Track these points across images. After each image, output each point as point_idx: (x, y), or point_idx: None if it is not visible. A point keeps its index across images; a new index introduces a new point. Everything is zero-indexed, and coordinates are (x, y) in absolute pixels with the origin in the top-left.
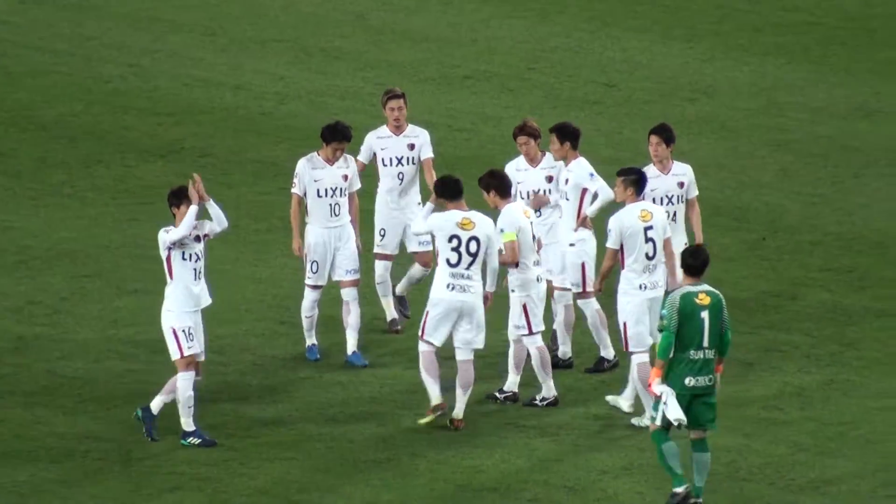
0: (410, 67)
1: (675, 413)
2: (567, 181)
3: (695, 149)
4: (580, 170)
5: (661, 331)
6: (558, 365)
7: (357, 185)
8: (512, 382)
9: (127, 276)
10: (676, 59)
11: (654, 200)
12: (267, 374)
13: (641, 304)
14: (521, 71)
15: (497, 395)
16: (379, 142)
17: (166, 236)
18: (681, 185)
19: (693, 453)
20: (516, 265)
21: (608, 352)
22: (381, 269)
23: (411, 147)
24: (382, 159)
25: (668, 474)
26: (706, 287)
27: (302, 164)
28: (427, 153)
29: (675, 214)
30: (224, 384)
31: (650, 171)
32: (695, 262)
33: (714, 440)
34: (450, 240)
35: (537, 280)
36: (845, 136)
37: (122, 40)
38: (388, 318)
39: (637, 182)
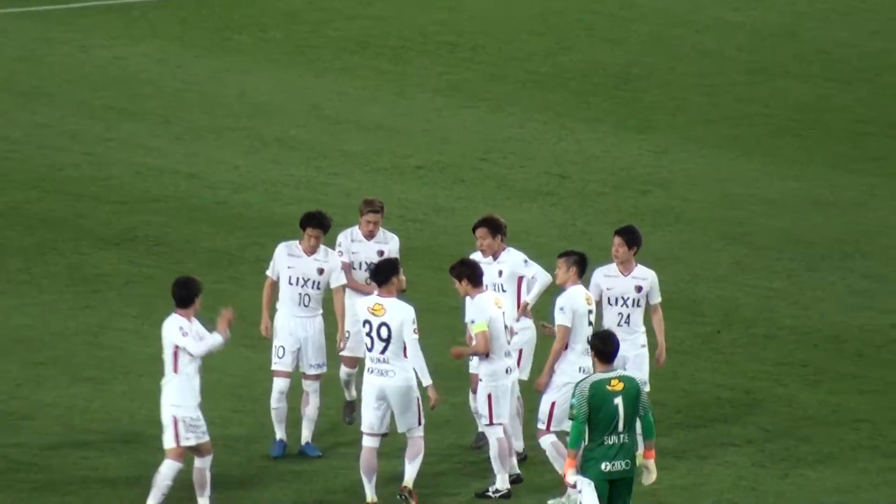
0: (363, 157)
1: (591, 501)
2: (500, 273)
3: (649, 241)
4: (512, 258)
5: (570, 419)
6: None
7: (341, 281)
8: (502, 479)
9: (82, 363)
10: (630, 150)
11: (608, 301)
12: (220, 462)
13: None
14: (473, 161)
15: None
16: (352, 244)
17: (183, 340)
18: (638, 289)
19: None
20: (487, 355)
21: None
22: (344, 374)
23: (380, 253)
24: (351, 262)
25: None
26: (619, 373)
27: (279, 249)
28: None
29: (627, 317)
30: (180, 471)
31: (610, 270)
32: (605, 347)
33: None
34: (364, 324)
35: (506, 371)
36: (799, 229)
37: (75, 128)
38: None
39: (579, 262)
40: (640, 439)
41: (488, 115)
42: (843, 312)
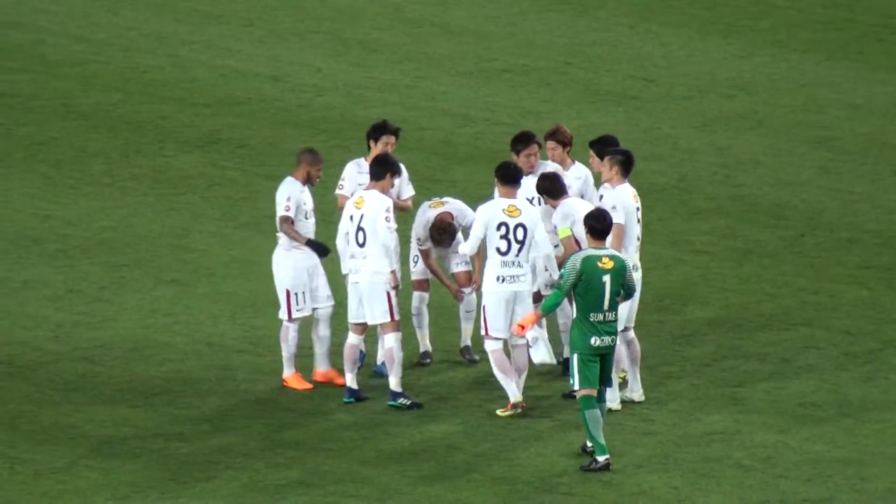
0: (448, 61)
1: (541, 356)
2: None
3: (732, 145)
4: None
5: (556, 287)
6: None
7: (411, 192)
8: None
9: (165, 265)
10: (715, 54)
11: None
12: (303, 366)
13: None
14: (558, 65)
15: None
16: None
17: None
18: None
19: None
20: None
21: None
22: (416, 300)
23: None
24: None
25: (592, 442)
26: (610, 251)
27: (350, 167)
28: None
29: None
30: (260, 375)
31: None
32: (599, 225)
33: (751, 436)
34: (498, 227)
35: None
36: (885, 134)
37: (159, 30)
38: (421, 350)
39: (623, 162)
40: (622, 315)
41: (574, 18)
42: None
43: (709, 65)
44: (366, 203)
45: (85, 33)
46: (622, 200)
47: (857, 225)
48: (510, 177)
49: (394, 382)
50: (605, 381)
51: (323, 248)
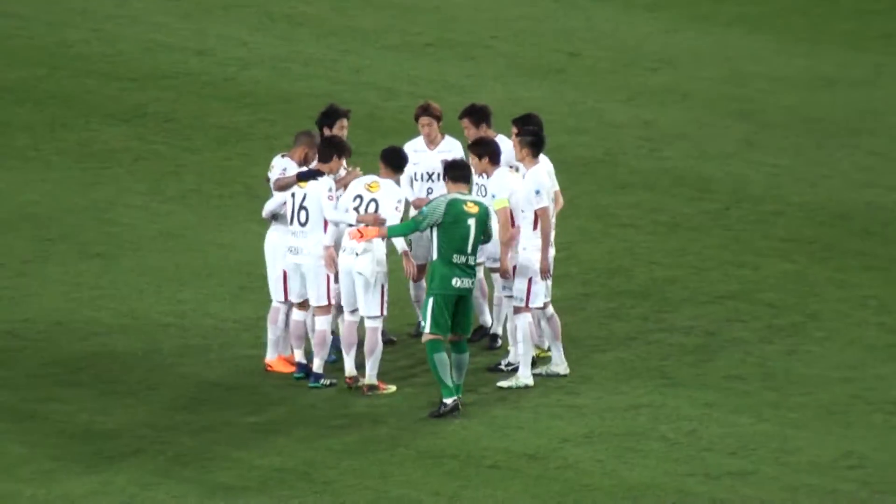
0: (373, 34)
1: (366, 268)
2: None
3: (657, 118)
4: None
5: (414, 221)
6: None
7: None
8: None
9: (90, 239)
10: (640, 28)
11: (416, 176)
12: (228, 338)
13: None
14: (483, 39)
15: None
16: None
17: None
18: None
19: (454, 355)
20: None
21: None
22: (413, 288)
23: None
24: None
25: (440, 384)
26: (475, 197)
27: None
28: None
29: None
30: (185, 348)
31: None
32: (461, 171)
33: (676, 410)
34: (354, 199)
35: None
36: (808, 107)
37: (84, 5)
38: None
39: (533, 143)
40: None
41: None
42: (850, 189)
43: (634, 38)
44: (308, 182)
45: (9, 8)
46: (542, 182)
47: (781, 198)
48: (394, 161)
49: (317, 364)
50: (463, 328)
51: (314, 172)
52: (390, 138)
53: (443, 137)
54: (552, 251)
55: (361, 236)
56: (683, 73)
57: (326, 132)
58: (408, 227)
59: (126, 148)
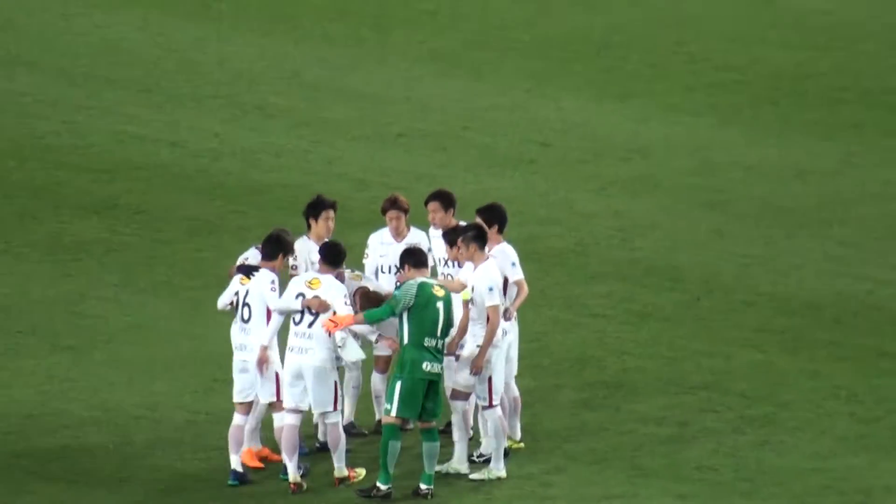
0: (345, 125)
1: (353, 354)
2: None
3: (629, 208)
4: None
5: (388, 306)
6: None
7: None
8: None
9: (61, 332)
10: (611, 118)
11: (382, 268)
12: (200, 430)
13: None
14: (455, 129)
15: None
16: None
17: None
18: None
19: (423, 443)
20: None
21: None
22: (377, 381)
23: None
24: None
25: (381, 468)
26: (439, 281)
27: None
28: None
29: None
30: (157, 440)
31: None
32: (419, 257)
33: (649, 500)
34: (297, 297)
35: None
36: (778, 197)
37: (55, 96)
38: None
39: (477, 238)
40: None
41: (470, 83)
42: (820, 279)
43: (605, 128)
44: (251, 279)
45: None
46: (493, 279)
47: (752, 288)
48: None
49: (291, 469)
50: (432, 413)
51: (253, 267)
52: (362, 229)
53: (408, 230)
54: (512, 335)
55: (336, 326)
56: (654, 163)
57: (313, 224)
58: (384, 312)
59: (97, 239)
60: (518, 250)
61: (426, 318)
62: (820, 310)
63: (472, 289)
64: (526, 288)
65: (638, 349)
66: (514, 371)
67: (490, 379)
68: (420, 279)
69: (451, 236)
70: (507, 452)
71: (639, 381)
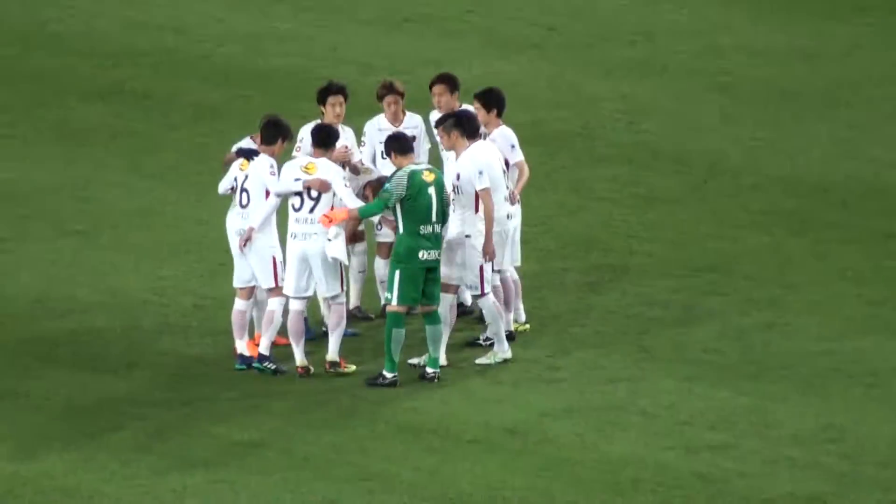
0: (349, 9)
1: (338, 253)
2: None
3: (635, 92)
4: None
5: (380, 200)
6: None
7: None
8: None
9: (67, 217)
10: (617, 1)
11: (383, 154)
12: (207, 314)
13: None
14: (460, 13)
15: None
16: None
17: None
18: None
19: (427, 326)
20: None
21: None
22: (381, 267)
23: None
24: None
25: (386, 357)
26: (428, 165)
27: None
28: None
29: None
30: (164, 325)
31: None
32: (405, 142)
33: (655, 383)
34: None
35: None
36: (784, 79)
37: None
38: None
39: (458, 123)
40: (445, 232)
41: None
42: (827, 162)
43: (611, 12)
44: (250, 165)
45: None
46: (480, 162)
47: (759, 171)
48: (320, 139)
49: (264, 345)
50: (433, 298)
51: (253, 151)
52: (367, 114)
53: (405, 114)
54: (517, 220)
55: (330, 221)
56: (661, 47)
57: (322, 110)
58: (377, 206)
59: (103, 125)
60: (524, 134)
61: (419, 207)
62: (827, 192)
63: (458, 176)
64: (527, 170)
65: (644, 232)
66: (518, 256)
67: (481, 268)
68: (409, 167)
69: (440, 123)
70: (512, 336)
71: (645, 264)
